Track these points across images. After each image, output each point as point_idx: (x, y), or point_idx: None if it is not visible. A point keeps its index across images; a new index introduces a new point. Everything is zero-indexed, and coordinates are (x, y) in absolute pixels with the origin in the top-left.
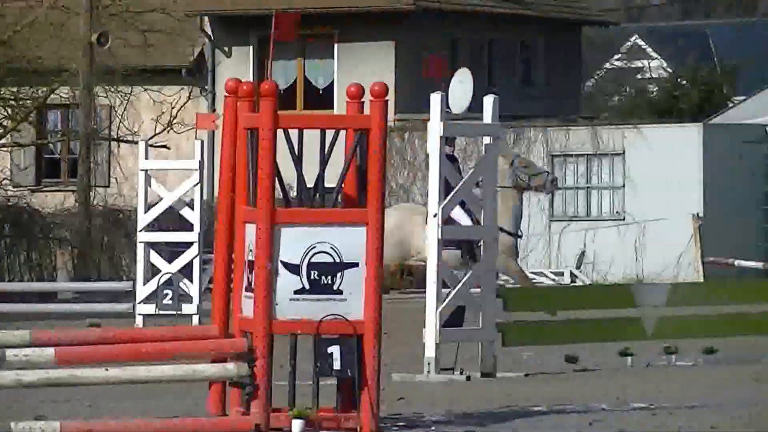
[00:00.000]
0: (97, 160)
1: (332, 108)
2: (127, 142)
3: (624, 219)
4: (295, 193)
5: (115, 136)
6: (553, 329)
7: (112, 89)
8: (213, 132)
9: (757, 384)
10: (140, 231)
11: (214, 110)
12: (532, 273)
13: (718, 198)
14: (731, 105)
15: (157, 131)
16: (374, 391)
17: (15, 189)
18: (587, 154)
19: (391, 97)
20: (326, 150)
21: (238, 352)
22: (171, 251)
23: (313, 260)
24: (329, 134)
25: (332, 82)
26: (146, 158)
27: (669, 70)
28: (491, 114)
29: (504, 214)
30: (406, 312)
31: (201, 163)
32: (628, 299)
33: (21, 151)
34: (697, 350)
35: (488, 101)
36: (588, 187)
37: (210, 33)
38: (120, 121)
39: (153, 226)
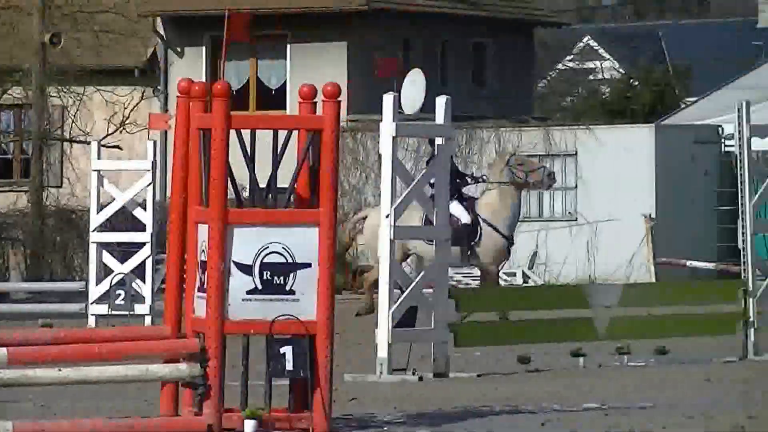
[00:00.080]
0: (49, 161)
1: (285, 108)
2: (79, 142)
3: (576, 220)
4: (247, 194)
5: (68, 137)
6: (506, 330)
7: (65, 89)
8: (166, 132)
9: (709, 384)
10: (93, 231)
11: (166, 110)
12: None
13: (670, 199)
14: (684, 106)
15: (109, 131)
16: (327, 392)
17: None
18: (539, 155)
19: (343, 98)
20: (279, 150)
21: (190, 352)
22: (123, 251)
23: (265, 260)
24: (282, 135)
25: (285, 82)
26: (99, 158)
27: (621, 71)
28: (443, 115)
29: (502, 213)
30: None
31: (153, 163)
32: (581, 300)
33: None
34: (649, 351)
35: (440, 102)
36: None
37: (163, 33)
38: (73, 122)
39: (105, 226)
